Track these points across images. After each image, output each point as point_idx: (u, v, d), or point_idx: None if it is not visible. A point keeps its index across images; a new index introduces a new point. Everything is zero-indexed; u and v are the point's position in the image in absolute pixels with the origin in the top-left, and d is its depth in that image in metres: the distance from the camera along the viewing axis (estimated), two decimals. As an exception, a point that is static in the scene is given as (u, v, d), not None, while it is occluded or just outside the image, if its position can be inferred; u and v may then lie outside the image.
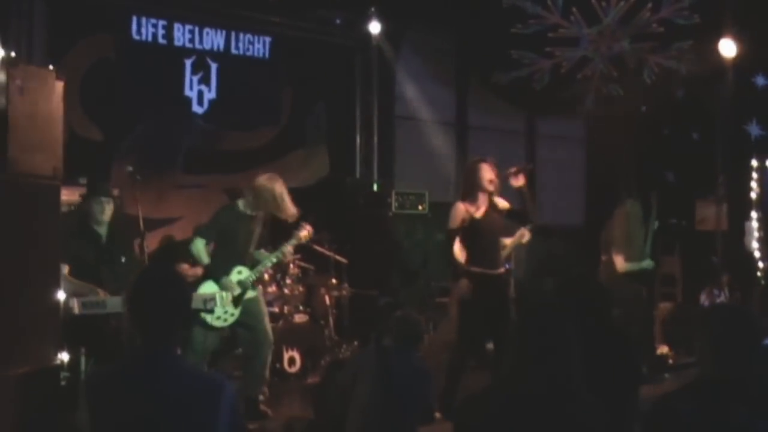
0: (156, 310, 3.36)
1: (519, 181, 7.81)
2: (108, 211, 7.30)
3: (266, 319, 8.01)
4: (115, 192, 7.76)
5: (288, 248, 7.98)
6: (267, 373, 7.97)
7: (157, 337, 3.35)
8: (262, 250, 8.06)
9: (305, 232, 8.04)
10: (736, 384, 3.44)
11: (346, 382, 5.73)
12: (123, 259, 7.34)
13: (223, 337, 8.20)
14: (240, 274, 7.78)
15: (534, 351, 3.46)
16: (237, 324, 7.82)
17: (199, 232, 7.97)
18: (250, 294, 7.81)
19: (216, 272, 7.75)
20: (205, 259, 7.79)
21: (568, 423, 3.41)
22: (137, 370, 3.33)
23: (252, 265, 7.88)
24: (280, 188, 7.85)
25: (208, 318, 7.60)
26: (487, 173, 7.78)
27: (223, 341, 8.36)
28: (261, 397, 7.84)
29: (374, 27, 12.44)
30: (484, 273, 7.74)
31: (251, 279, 7.80)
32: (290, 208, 7.86)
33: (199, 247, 7.74)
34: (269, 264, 8.01)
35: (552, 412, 3.39)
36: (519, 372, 3.49)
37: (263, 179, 7.89)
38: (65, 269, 6.62)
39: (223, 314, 7.70)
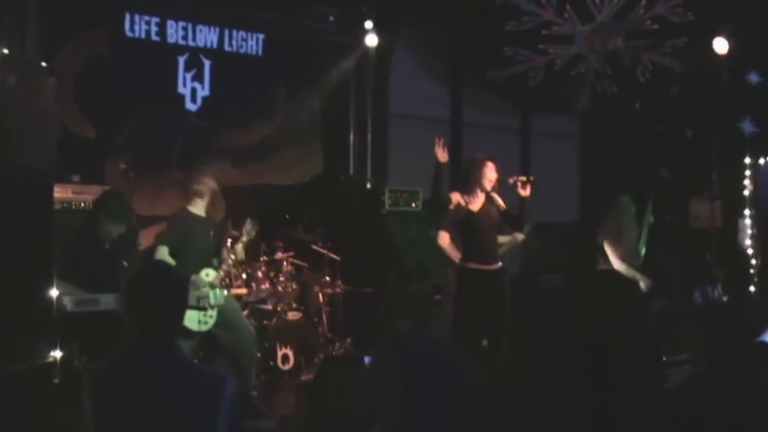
0: (156, 306, 3.37)
1: (526, 192, 7.83)
2: (120, 231, 7.33)
3: (242, 314, 8.04)
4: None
5: (239, 246, 8.00)
6: (254, 368, 7.97)
7: (158, 333, 3.36)
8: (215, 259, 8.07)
9: (249, 226, 8.05)
10: (729, 382, 3.43)
11: (372, 380, 5.37)
12: (125, 263, 7.35)
13: (196, 347, 8.08)
14: (208, 276, 7.78)
15: (535, 353, 3.47)
16: (215, 326, 7.79)
17: (162, 240, 7.93)
18: (218, 293, 7.82)
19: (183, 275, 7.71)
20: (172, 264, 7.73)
21: (564, 422, 3.41)
22: (139, 365, 3.34)
23: (216, 266, 7.91)
24: (216, 188, 8.01)
25: (189, 325, 7.52)
26: (491, 173, 7.82)
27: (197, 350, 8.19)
28: (254, 393, 7.83)
29: (368, 24, 12.42)
30: (480, 269, 7.75)
31: (218, 279, 7.81)
32: (222, 208, 7.98)
33: (164, 254, 7.67)
34: (231, 262, 8.00)
35: (546, 407, 3.40)
36: (520, 372, 3.50)
37: (209, 181, 7.94)
38: None
39: (203, 317, 7.68)
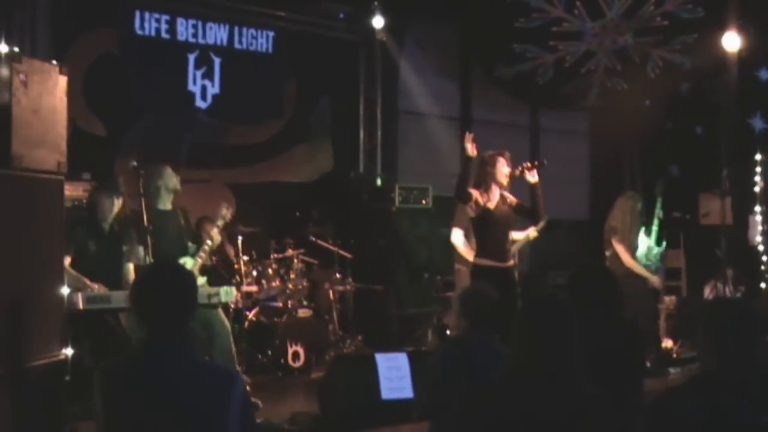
0: (167, 304, 3.38)
1: (534, 177, 7.79)
2: (116, 207, 7.33)
3: (218, 311, 8.02)
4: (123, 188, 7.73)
5: (214, 231, 7.97)
6: (233, 349, 7.94)
7: (168, 331, 3.37)
8: (191, 245, 8.07)
9: (225, 210, 8.03)
10: (738, 379, 3.42)
11: (433, 380, 5.39)
12: (124, 248, 7.35)
13: None
14: (185, 264, 7.77)
15: (538, 343, 3.46)
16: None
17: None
18: (199, 281, 7.82)
19: None
20: (150, 259, 7.71)
21: (574, 415, 3.40)
22: (150, 362, 3.35)
23: (193, 253, 7.91)
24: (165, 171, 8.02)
25: None
26: (504, 167, 7.80)
27: None
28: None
29: (378, 21, 12.43)
30: (493, 266, 7.74)
31: (197, 267, 7.81)
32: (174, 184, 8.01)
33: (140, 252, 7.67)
34: (206, 248, 7.97)
35: (557, 405, 3.39)
36: (523, 364, 3.49)
37: (168, 171, 7.98)
38: (67, 260, 6.65)
39: None
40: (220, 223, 8.00)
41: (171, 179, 8.01)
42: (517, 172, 7.83)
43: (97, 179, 7.71)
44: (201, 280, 7.86)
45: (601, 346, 4.40)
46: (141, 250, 7.44)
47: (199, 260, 7.85)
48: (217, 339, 7.84)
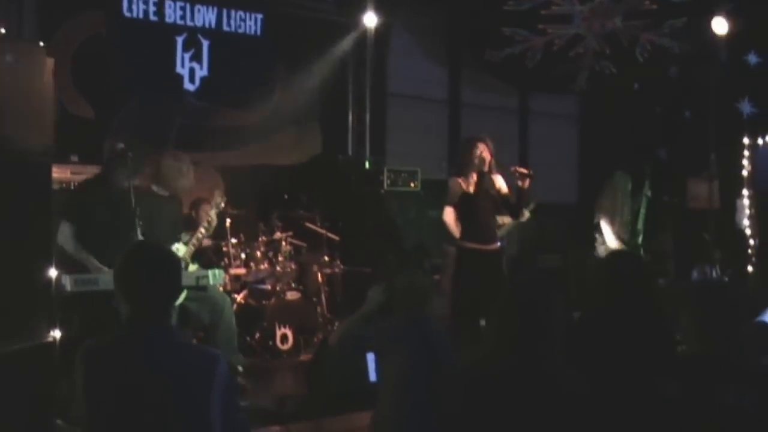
0: (151, 286, 3.38)
1: (525, 184, 7.83)
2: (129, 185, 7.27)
3: (218, 287, 8.03)
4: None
5: (212, 213, 7.97)
6: (235, 336, 7.97)
7: (152, 313, 3.37)
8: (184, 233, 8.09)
9: (219, 198, 8.05)
10: (721, 361, 3.44)
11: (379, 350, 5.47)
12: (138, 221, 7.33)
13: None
14: (178, 251, 7.79)
15: (522, 325, 3.47)
16: (187, 300, 7.74)
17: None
18: (191, 268, 7.82)
19: None
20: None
21: (554, 397, 3.42)
22: (132, 344, 3.35)
23: (186, 240, 7.93)
24: (185, 164, 8.03)
25: None
26: (483, 153, 7.83)
27: None
28: (239, 368, 7.81)
29: (367, 4, 12.39)
30: (479, 248, 7.78)
31: (189, 254, 7.81)
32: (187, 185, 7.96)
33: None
34: (200, 236, 7.98)
35: (538, 386, 3.40)
36: (505, 346, 3.50)
37: (169, 158, 7.96)
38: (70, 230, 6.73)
39: None
40: (214, 211, 8.02)
41: (175, 165, 7.99)
42: (511, 170, 7.88)
43: (118, 149, 7.56)
44: (192, 267, 7.85)
45: (639, 336, 4.39)
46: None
47: (192, 247, 7.87)
48: (223, 327, 7.86)
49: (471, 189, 7.84)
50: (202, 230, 7.93)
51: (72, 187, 8.32)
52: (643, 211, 9.81)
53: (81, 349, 3.45)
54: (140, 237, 6.99)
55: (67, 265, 6.84)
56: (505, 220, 8.67)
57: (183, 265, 7.72)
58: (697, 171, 12.78)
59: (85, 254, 7.00)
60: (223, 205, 8.14)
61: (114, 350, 3.38)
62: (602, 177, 10.24)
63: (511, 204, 8.07)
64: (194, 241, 7.89)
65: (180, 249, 7.79)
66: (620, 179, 9.75)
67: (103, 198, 7.24)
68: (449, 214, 8.60)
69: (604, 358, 4.08)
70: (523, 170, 7.87)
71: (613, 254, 6.31)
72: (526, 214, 8.97)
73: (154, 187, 7.95)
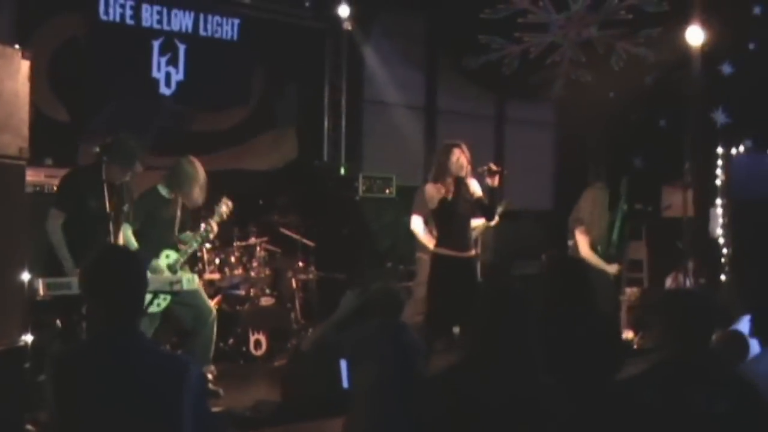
0: (115, 290, 3.35)
1: (494, 182, 7.80)
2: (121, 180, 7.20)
3: (203, 294, 7.99)
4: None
5: (212, 225, 7.94)
6: (212, 348, 7.94)
7: (118, 317, 3.34)
8: (188, 233, 8.02)
9: (225, 207, 8.02)
10: (695, 367, 3.47)
11: (347, 356, 5.55)
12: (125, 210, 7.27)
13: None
14: (168, 257, 7.75)
15: (499, 333, 3.48)
16: (174, 304, 7.72)
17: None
18: (186, 275, 7.79)
19: (144, 257, 7.59)
20: (134, 245, 7.64)
21: (531, 405, 3.43)
22: (101, 349, 3.32)
23: (178, 247, 7.89)
24: (201, 173, 7.95)
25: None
26: (459, 159, 7.82)
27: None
28: (209, 376, 7.78)
29: (344, 10, 12.40)
30: (454, 255, 7.77)
31: (180, 261, 7.79)
32: (197, 197, 7.90)
33: (127, 234, 7.57)
34: (195, 244, 7.96)
35: (514, 395, 3.41)
36: (483, 354, 3.51)
37: (184, 162, 7.93)
38: (60, 219, 6.74)
39: (157, 299, 7.60)
40: (216, 218, 7.98)
41: (191, 172, 7.96)
42: (479, 171, 7.85)
43: (112, 140, 7.45)
44: (187, 275, 7.72)
45: (581, 338, 4.43)
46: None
47: (185, 255, 7.83)
48: (203, 337, 7.82)
49: (448, 195, 7.81)
50: (199, 238, 7.92)
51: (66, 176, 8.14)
52: (618, 223, 9.83)
53: (50, 355, 3.43)
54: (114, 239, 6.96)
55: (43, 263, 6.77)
56: (475, 222, 8.64)
57: (176, 270, 7.72)
58: (671, 179, 12.88)
59: (65, 252, 6.92)
60: (227, 215, 8.08)
61: (82, 356, 3.36)
62: (578, 185, 10.27)
63: (484, 205, 8.03)
64: (188, 249, 7.86)
65: (170, 255, 7.76)
66: (600, 190, 9.74)
67: (96, 189, 7.15)
68: (417, 223, 8.59)
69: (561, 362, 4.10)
70: (493, 167, 7.83)
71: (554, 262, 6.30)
72: (497, 218, 8.95)
73: (160, 188, 7.91)
